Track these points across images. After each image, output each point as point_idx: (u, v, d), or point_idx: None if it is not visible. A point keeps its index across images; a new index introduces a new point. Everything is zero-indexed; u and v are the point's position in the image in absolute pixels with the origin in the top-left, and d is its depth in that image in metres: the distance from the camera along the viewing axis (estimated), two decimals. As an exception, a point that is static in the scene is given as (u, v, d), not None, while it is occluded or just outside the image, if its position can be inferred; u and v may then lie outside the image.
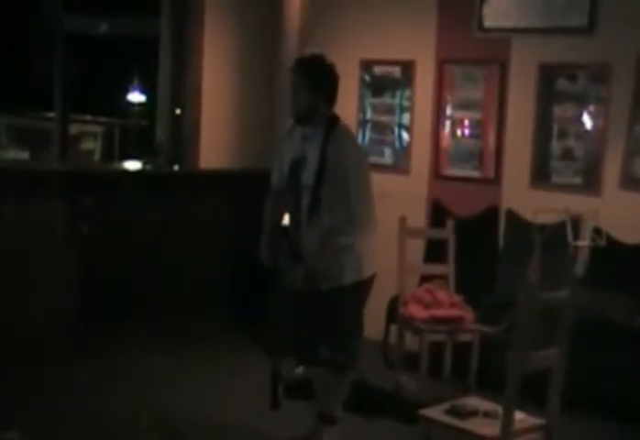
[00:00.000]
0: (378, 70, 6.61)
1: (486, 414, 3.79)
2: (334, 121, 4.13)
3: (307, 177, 4.08)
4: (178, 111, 6.67)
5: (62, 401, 4.96)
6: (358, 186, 4.08)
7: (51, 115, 7.07)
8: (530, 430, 3.74)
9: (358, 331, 4.31)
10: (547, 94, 5.83)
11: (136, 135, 9.75)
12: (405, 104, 6.49)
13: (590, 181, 5.67)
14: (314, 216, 4.06)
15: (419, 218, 6.23)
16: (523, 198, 5.90)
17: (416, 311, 5.30)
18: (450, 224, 5.68)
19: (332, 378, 4.24)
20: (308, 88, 4.07)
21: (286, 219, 4.37)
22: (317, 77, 4.10)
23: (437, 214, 6.24)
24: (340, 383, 4.29)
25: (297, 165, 4.14)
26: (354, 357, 4.29)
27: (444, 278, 5.57)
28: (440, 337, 5.32)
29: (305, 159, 4.10)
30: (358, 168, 4.13)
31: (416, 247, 6.04)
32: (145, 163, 6.69)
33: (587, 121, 5.71)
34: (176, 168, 6.61)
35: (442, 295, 5.38)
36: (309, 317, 4.21)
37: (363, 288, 4.21)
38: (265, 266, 4.38)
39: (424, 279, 5.79)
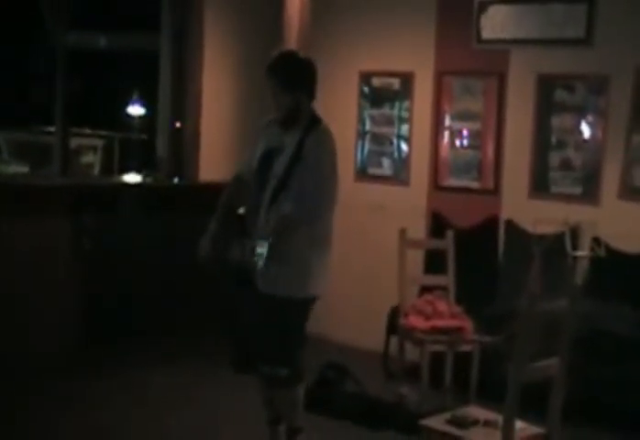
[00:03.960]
0: (377, 81, 6.64)
1: (487, 424, 3.80)
2: (317, 119, 4.06)
3: (279, 167, 3.98)
4: (178, 124, 6.69)
5: (63, 416, 4.95)
6: (328, 188, 3.99)
7: (52, 129, 7.10)
8: (531, 439, 3.74)
9: (300, 346, 4.15)
10: (546, 105, 5.85)
11: (136, 148, 9.78)
12: (404, 115, 6.51)
13: (589, 191, 5.68)
14: (275, 203, 3.95)
15: (419, 229, 6.24)
16: (522, 208, 5.91)
17: (417, 322, 5.30)
18: (450, 234, 5.69)
19: (278, 392, 4.15)
20: (290, 88, 3.98)
21: (242, 210, 4.17)
22: (296, 75, 4.02)
23: (437, 224, 6.26)
24: (289, 397, 4.15)
25: (271, 155, 4.04)
26: (297, 372, 4.12)
27: (444, 288, 5.58)
28: (441, 348, 5.33)
29: (281, 150, 4.00)
30: (332, 171, 4.02)
31: (416, 258, 6.05)
32: (145, 176, 6.71)
33: (585, 131, 5.73)
34: (176, 181, 6.62)
35: (442, 306, 5.39)
36: (250, 326, 4.10)
37: (306, 306, 4.08)
38: (200, 258, 4.17)
39: (425, 290, 5.80)
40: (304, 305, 4.09)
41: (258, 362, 4.08)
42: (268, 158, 4.07)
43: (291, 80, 4.01)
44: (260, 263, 3.91)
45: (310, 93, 4.08)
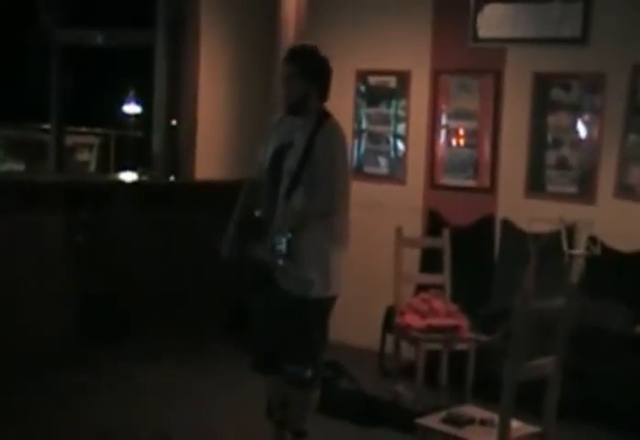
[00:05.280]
0: (373, 80, 6.63)
1: (482, 423, 3.79)
2: (326, 115, 4.08)
3: (291, 162, 3.99)
4: (174, 122, 6.68)
5: (61, 414, 4.95)
6: (341, 182, 4.03)
7: (47, 126, 7.09)
8: (526, 438, 3.74)
9: (322, 346, 4.16)
10: (542, 104, 5.85)
11: (131, 146, 9.77)
12: (401, 114, 6.51)
13: (585, 190, 5.69)
14: (289, 199, 3.97)
15: (415, 228, 6.24)
16: (518, 207, 5.91)
17: (412, 320, 5.30)
18: (446, 233, 5.69)
19: (298, 393, 4.13)
20: (302, 77, 4.01)
21: (258, 212, 4.19)
22: (311, 67, 4.05)
23: (433, 223, 6.26)
24: (307, 399, 4.16)
25: (282, 151, 4.05)
26: (318, 372, 4.14)
27: (440, 287, 5.58)
28: (436, 346, 5.33)
29: (292, 145, 4.02)
30: (344, 165, 4.09)
31: (412, 257, 6.05)
32: (141, 174, 6.69)
33: (581, 130, 5.73)
34: (172, 179, 6.62)
35: (438, 304, 5.39)
36: (272, 327, 4.12)
37: (327, 304, 4.10)
38: (222, 257, 4.22)
39: (421, 288, 5.80)
40: (327, 304, 4.10)
41: (284, 363, 4.07)
42: (279, 154, 4.08)
43: (307, 70, 4.03)
44: (280, 261, 3.92)
45: (322, 90, 4.08)
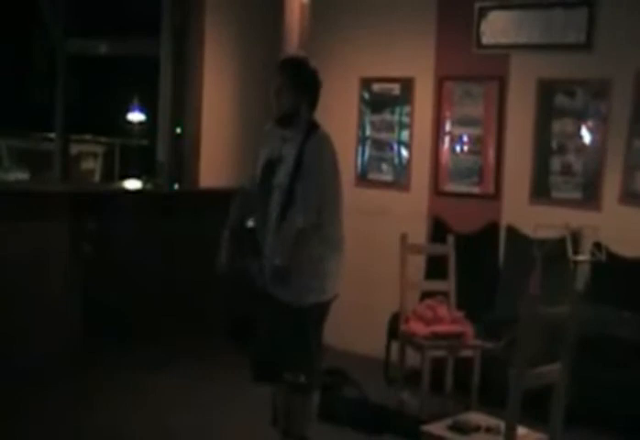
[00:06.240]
0: (377, 87, 6.64)
1: (488, 430, 3.79)
2: (315, 126, 4.10)
3: (281, 176, 4.02)
4: (178, 130, 6.69)
5: (63, 416, 4.95)
6: (332, 192, 4.05)
7: (52, 135, 7.11)
8: (532, 445, 3.73)
9: (318, 351, 4.17)
10: (547, 110, 5.85)
11: (136, 154, 9.78)
12: (405, 120, 6.51)
13: (590, 196, 5.68)
14: (287, 215, 3.99)
15: (419, 234, 6.23)
16: (522, 213, 5.90)
17: (417, 327, 5.29)
18: (451, 240, 5.68)
19: (297, 399, 4.14)
20: (293, 89, 4.04)
21: (251, 222, 4.24)
22: (302, 79, 4.08)
23: (438, 230, 6.25)
24: (306, 404, 4.17)
25: (272, 165, 4.08)
26: (317, 378, 4.15)
27: (445, 294, 5.57)
28: (441, 353, 5.31)
29: (282, 159, 4.04)
30: (334, 175, 4.09)
31: (417, 264, 6.04)
32: (145, 183, 6.70)
33: (586, 136, 5.73)
34: (176, 187, 6.62)
35: (443, 311, 5.37)
36: (269, 334, 4.14)
37: (324, 309, 4.12)
38: (217, 269, 4.27)
39: (426, 295, 5.79)
40: (323, 308, 4.12)
41: (282, 370, 4.08)
42: (269, 167, 4.11)
43: (296, 81, 4.06)
44: (271, 284, 3.98)
45: (311, 101, 4.12)
